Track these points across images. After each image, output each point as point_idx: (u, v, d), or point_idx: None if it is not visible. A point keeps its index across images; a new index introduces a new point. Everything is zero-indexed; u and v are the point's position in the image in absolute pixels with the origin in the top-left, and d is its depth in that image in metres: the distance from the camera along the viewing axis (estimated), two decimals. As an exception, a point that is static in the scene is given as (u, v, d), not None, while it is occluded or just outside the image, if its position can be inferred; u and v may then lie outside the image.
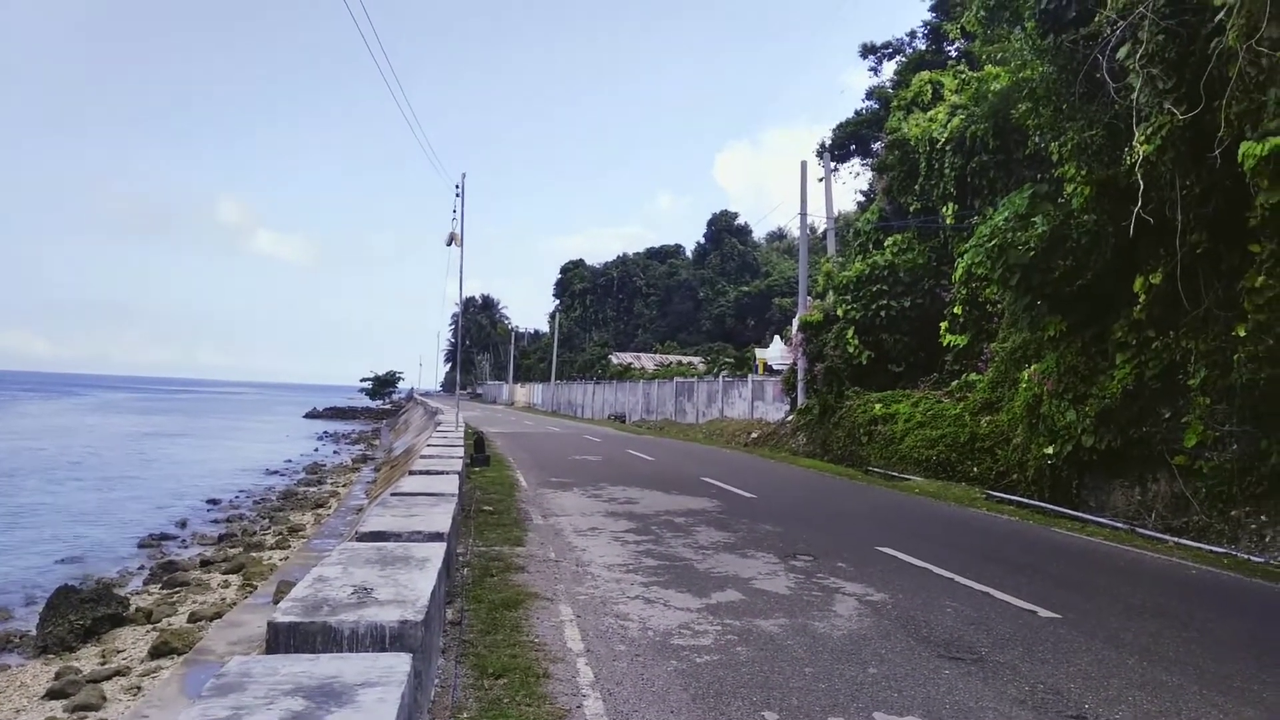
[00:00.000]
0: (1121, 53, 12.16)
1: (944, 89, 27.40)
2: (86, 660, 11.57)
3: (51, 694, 10.14)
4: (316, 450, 50.98)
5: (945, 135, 23.93)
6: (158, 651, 11.12)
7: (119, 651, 11.84)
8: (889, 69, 43.90)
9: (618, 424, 49.74)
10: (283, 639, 4.49)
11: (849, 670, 5.89)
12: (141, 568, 17.87)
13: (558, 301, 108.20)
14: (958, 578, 8.96)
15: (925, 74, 29.48)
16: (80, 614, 12.68)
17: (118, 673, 10.71)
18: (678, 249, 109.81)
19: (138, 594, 15.26)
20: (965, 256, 18.12)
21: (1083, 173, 14.25)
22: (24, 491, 29.21)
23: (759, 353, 44.84)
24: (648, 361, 74.38)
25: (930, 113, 25.82)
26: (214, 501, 28.31)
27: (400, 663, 4.03)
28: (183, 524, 23.73)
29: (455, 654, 5.98)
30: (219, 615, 12.04)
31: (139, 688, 10.08)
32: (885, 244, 26.90)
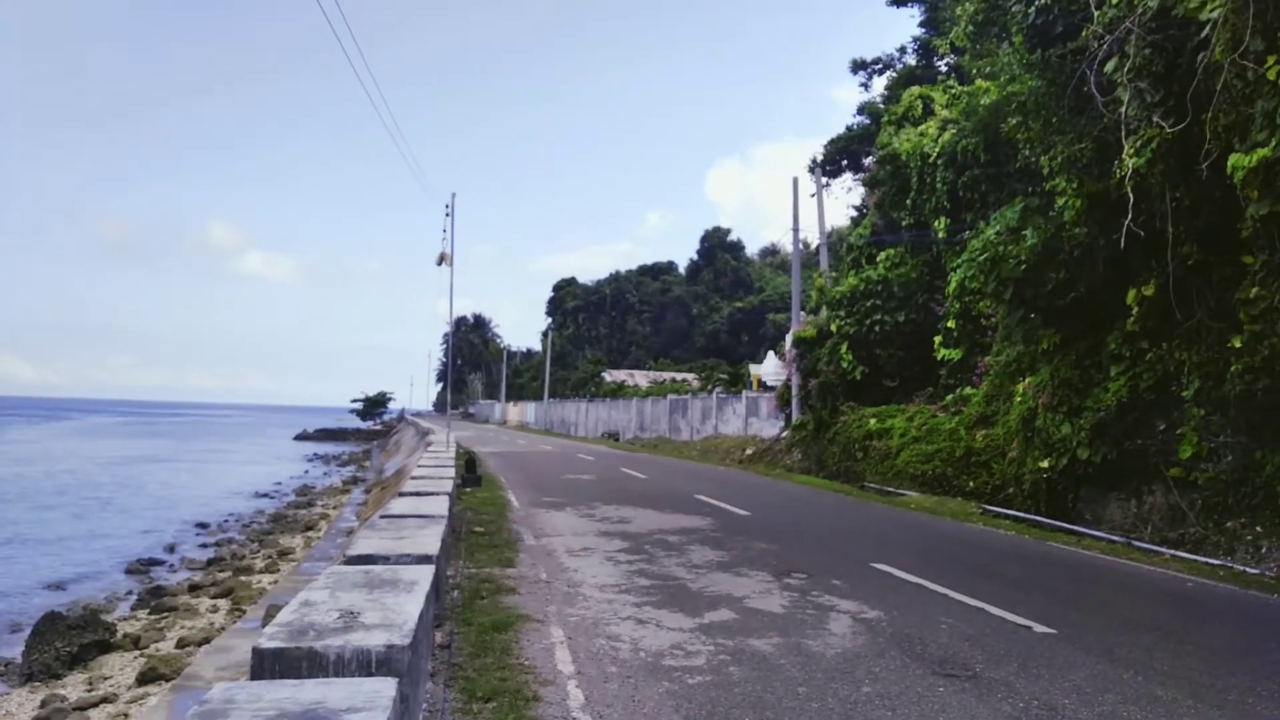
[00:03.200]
0: (1109, 66, 12.22)
1: (934, 103, 27.53)
2: (73, 688, 11.42)
3: (37, 722, 10.00)
4: (306, 472, 50.78)
5: (936, 149, 24.02)
6: (145, 678, 10.99)
7: (106, 678, 11.70)
8: (879, 84, 44.12)
9: (612, 442, 49.62)
10: (268, 665, 4.41)
11: (843, 689, 5.81)
12: (129, 593, 17.70)
13: (550, 319, 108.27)
14: (953, 593, 8.89)
15: (916, 89, 29.62)
16: (67, 641, 12.53)
17: (105, 700, 10.57)
18: (670, 265, 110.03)
19: (125, 620, 15.10)
20: (958, 270, 18.14)
21: (1073, 185, 14.29)
22: (9, 517, 28.96)
23: (753, 369, 44.81)
24: (641, 379, 74.32)
25: (921, 127, 25.92)
26: (203, 525, 28.12)
27: (386, 687, 3.95)
28: (171, 549, 23.56)
29: (444, 678, 5.89)
30: (207, 640, 11.90)
31: (126, 715, 9.95)
32: (878, 259, 26.93)
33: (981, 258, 16.03)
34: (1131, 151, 12.02)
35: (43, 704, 10.58)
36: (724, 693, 5.68)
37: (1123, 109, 12.05)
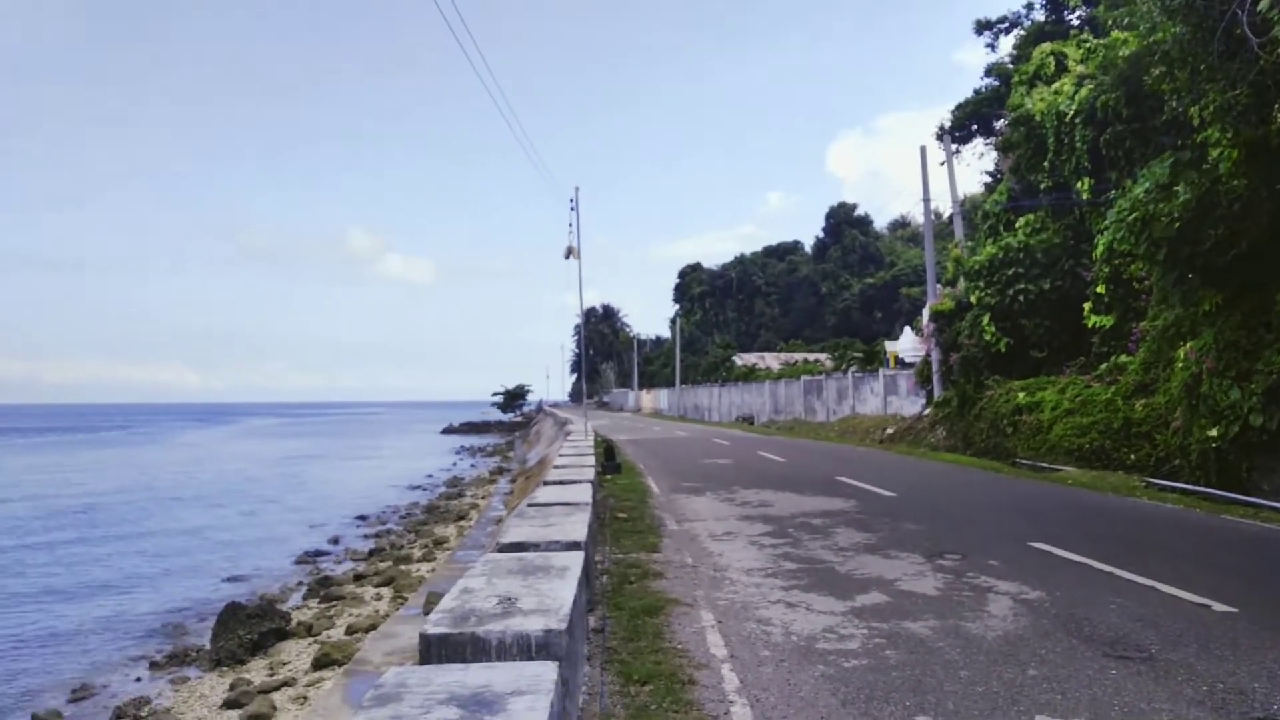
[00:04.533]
0: (1263, 5, 11.27)
1: (1068, 60, 26.07)
2: (256, 672, 12.24)
3: (228, 704, 10.79)
4: (455, 464, 52.69)
5: (1074, 107, 22.75)
6: (319, 663, 11.66)
7: (284, 663, 12.48)
8: (1006, 44, 42.25)
9: (746, 426, 49.41)
10: (434, 650, 4.61)
11: (1007, 672, 5.62)
12: (300, 583, 18.81)
13: (677, 306, 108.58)
14: (1120, 572, 8.46)
15: (1046, 45, 28.10)
16: (248, 629, 13.44)
17: (285, 684, 11.28)
18: (796, 245, 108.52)
19: (298, 609, 16.06)
20: (1105, 233, 17.14)
21: (1228, 135, 13.27)
22: (188, 517, 31.25)
23: (889, 346, 43.70)
24: (772, 361, 73.68)
25: (1055, 85, 24.59)
26: (362, 517, 29.60)
27: (547, 670, 4.07)
28: (335, 540, 24.89)
29: (600, 661, 6.01)
30: (374, 627, 12.52)
31: (305, 697, 10.59)
32: (1017, 225, 25.76)
33: (1130, 218, 15.12)
34: (1298, 92, 11.08)
35: (231, 687, 11.40)
36: (881, 676, 5.59)
37: (1283, 49, 11.11)
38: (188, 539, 25.99)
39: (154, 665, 13.40)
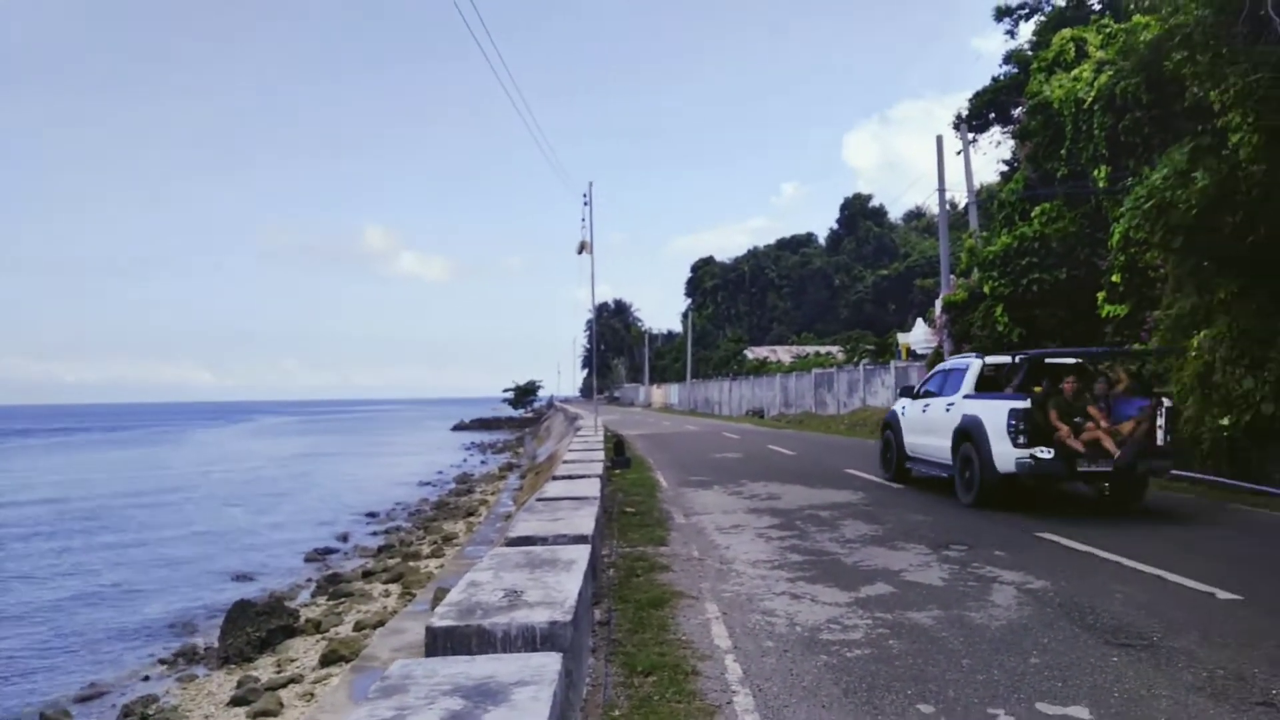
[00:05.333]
0: (1287, -14, 11.20)
1: (1088, 45, 25.86)
2: (264, 669, 12.35)
3: (235, 701, 10.90)
4: (465, 461, 52.91)
5: (1093, 94, 22.58)
6: (327, 659, 11.75)
7: (292, 660, 12.58)
8: (1026, 30, 41.72)
9: (756, 419, 49.39)
10: (440, 642, 4.67)
11: (1009, 661, 5.64)
12: (309, 580, 18.94)
13: (689, 300, 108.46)
14: (1125, 561, 8.45)
15: (1067, 31, 27.85)
16: (256, 626, 13.55)
17: (292, 680, 11.39)
18: (809, 237, 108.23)
19: (306, 606, 16.18)
20: (1122, 220, 17.03)
21: (1249, 120, 13.15)
22: (199, 514, 31.49)
23: (901, 337, 43.53)
24: (784, 354, 73.56)
25: (1074, 71, 24.40)
26: (372, 514, 29.78)
27: (552, 662, 4.13)
28: (344, 537, 25.05)
29: (605, 653, 6.06)
30: (382, 623, 12.60)
31: (312, 694, 10.69)
32: (1032, 214, 25.60)
33: (1147, 205, 15.02)
34: (1315, 77, 10.99)
35: (239, 684, 11.51)
36: (884, 665, 5.62)
37: (1302, 32, 11.02)
38: (198, 537, 26.22)
39: (162, 663, 13.55)
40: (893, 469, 15.91)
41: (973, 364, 13.92)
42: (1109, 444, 11.36)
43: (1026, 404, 11.62)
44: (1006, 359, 13.98)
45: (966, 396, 13.21)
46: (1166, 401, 11.98)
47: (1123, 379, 12.97)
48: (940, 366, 15.93)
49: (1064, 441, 11.40)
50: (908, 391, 16.03)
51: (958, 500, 12.84)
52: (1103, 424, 11.68)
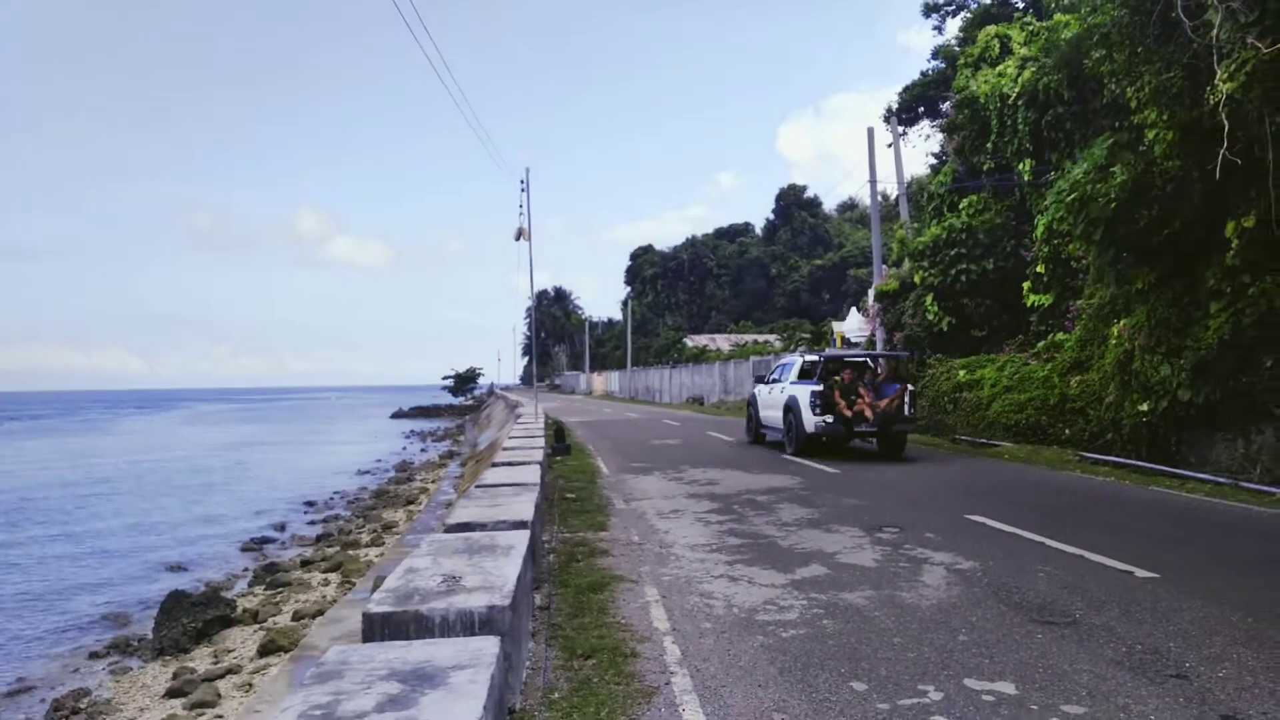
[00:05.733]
0: (1197, -12, 11.62)
1: (1012, 42, 26.53)
2: (200, 660, 12.10)
3: (171, 693, 10.65)
4: (404, 449, 52.24)
5: (1016, 89, 23.20)
6: (265, 650, 11.56)
7: (230, 651, 12.35)
8: (953, 26, 42.74)
9: (696, 406, 49.74)
10: (377, 628, 4.65)
11: (938, 639, 5.82)
12: (246, 570, 18.58)
13: (629, 288, 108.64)
14: (1050, 541, 8.77)
15: (992, 28, 28.57)
16: (192, 617, 13.26)
17: (230, 671, 11.17)
18: (746, 227, 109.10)
19: (244, 596, 15.87)
20: (1045, 213, 17.55)
21: (1164, 117, 13.67)
22: (130, 505, 30.64)
23: (835, 326, 44.23)
24: (723, 342, 74.14)
25: (999, 68, 25.03)
26: (310, 503, 29.27)
27: (489, 645, 4.15)
28: (281, 527, 24.60)
29: (545, 637, 6.10)
30: (320, 613, 12.46)
31: (250, 684, 10.51)
32: (960, 206, 26.23)
33: (1069, 198, 15.51)
34: (1225, 76, 11.44)
35: (174, 675, 11.25)
36: (818, 645, 5.75)
37: (1214, 32, 11.45)
38: (130, 528, 25.49)
39: (94, 655, 13.16)
40: (752, 435, 21.76)
41: (796, 361, 19.82)
42: (869, 413, 17.08)
43: (820, 388, 17.37)
44: (816, 357, 19.46)
45: (791, 383, 18.71)
46: (911, 387, 17.50)
47: (883, 371, 18.99)
48: (780, 361, 22.91)
49: (842, 412, 17.08)
50: (761, 380, 21.38)
51: (891, 484, 13.18)
52: (867, 399, 17.29)
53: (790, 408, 18.07)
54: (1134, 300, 15.95)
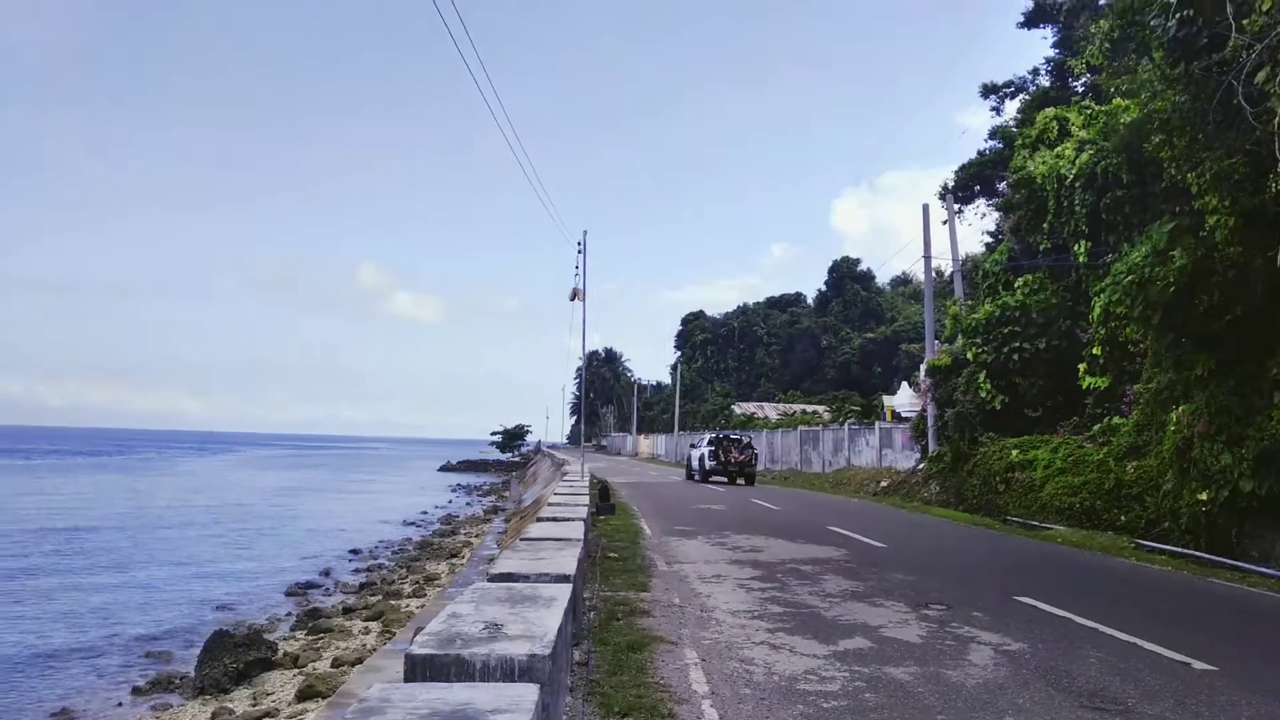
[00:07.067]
0: (1259, 77, 11.59)
1: (1070, 124, 26.57)
2: (239, 702, 12.19)
3: (209, 732, 10.75)
4: (450, 502, 52.55)
5: (1074, 171, 23.17)
6: (304, 695, 11.60)
7: (268, 694, 12.43)
8: (1011, 108, 42.86)
9: (742, 475, 49.60)
10: (419, 669, 4.70)
11: (983, 718, 5.70)
12: (289, 614, 18.75)
13: (679, 353, 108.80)
14: (1102, 627, 8.53)
15: (1050, 110, 28.65)
16: (234, 657, 13.41)
17: (267, 714, 11.24)
18: (798, 297, 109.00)
19: (285, 639, 16.01)
20: (1103, 295, 17.37)
21: (1225, 203, 13.54)
22: (182, 544, 31.15)
23: (886, 400, 43.84)
24: (771, 411, 73.68)
25: (1057, 149, 25.06)
26: (355, 551, 29.52)
27: (529, 692, 4.17)
28: (326, 573, 24.82)
29: (582, 693, 6.09)
30: (360, 660, 12.50)
31: (287, 727, 10.57)
32: (1015, 285, 26.06)
33: (1127, 281, 15.35)
34: (1289, 164, 11.35)
35: (213, 715, 11.37)
36: (859, 717, 5.67)
37: (1276, 120, 11.41)
38: (179, 566, 25.93)
39: (136, 691, 13.35)
40: (690, 475, 38.25)
41: (709, 436, 39.17)
42: (733, 463, 35.31)
43: (712, 448, 36.04)
44: (714, 434, 40.03)
45: (703, 445, 37.34)
46: (754, 449, 37.65)
47: (745, 440, 37.90)
48: (699, 437, 43.67)
49: (721, 460, 35.32)
50: (694, 446, 39.92)
51: (939, 561, 12.92)
52: (734, 454, 35.58)
53: (701, 457, 36.48)
54: (1193, 386, 15.62)
